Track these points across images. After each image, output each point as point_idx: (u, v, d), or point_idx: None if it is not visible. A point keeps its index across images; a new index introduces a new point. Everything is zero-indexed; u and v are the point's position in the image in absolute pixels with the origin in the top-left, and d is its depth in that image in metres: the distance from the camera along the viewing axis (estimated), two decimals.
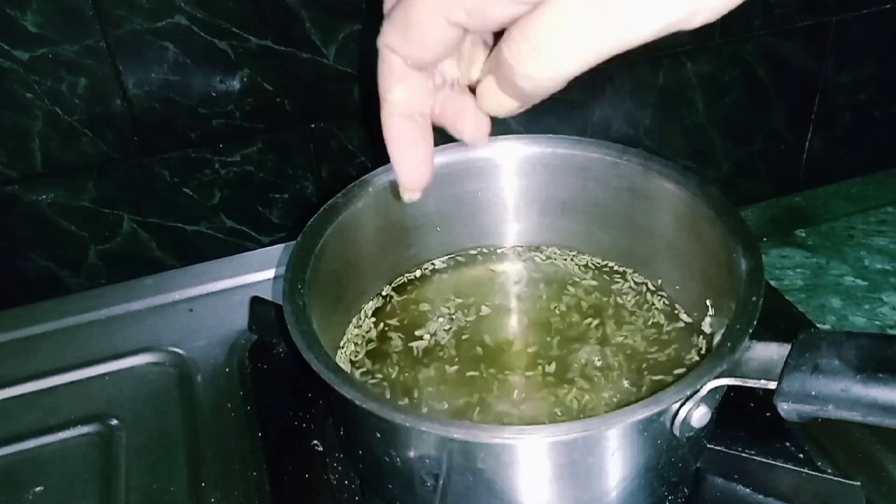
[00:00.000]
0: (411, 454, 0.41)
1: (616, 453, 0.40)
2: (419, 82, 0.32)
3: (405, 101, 0.33)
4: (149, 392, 0.58)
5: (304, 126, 0.68)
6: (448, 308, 0.56)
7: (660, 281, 0.56)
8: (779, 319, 0.58)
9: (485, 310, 0.56)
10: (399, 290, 0.58)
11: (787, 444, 0.49)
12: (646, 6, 0.25)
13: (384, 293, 0.58)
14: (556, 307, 0.55)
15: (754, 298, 0.42)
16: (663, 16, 0.25)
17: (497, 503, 0.41)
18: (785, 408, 0.38)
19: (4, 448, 0.54)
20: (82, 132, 0.63)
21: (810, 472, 0.46)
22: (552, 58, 0.27)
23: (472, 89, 0.33)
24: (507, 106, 0.31)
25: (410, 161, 0.34)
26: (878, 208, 0.82)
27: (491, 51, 0.31)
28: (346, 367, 0.52)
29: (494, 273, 0.59)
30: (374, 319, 0.56)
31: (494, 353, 0.52)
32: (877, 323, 0.69)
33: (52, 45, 0.59)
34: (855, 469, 0.48)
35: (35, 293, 0.67)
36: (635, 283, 0.57)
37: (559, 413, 0.48)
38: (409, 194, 0.36)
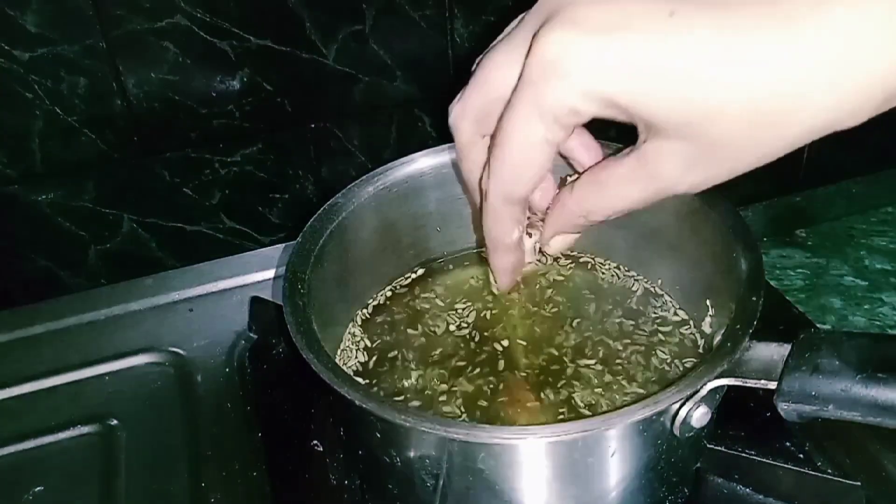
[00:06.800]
0: (411, 454, 0.41)
1: (616, 453, 0.40)
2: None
3: None
4: (149, 392, 0.58)
5: (303, 126, 0.68)
6: (448, 308, 0.56)
7: (660, 280, 0.56)
8: (779, 319, 0.58)
9: (485, 310, 0.56)
10: (399, 290, 0.58)
11: (788, 444, 0.49)
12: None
13: (384, 293, 0.58)
14: (556, 307, 0.55)
15: (754, 298, 0.42)
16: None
17: (497, 503, 0.41)
18: (785, 408, 0.38)
19: (4, 448, 0.54)
20: (82, 132, 0.63)
21: (810, 472, 0.46)
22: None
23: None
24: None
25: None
26: (878, 208, 0.82)
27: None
28: (346, 366, 0.52)
29: None
30: (374, 320, 0.56)
31: (495, 353, 0.52)
32: (877, 323, 0.69)
33: (52, 45, 0.59)
34: (855, 469, 0.48)
35: (35, 293, 0.67)
36: (635, 282, 0.57)
37: (560, 413, 0.48)
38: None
